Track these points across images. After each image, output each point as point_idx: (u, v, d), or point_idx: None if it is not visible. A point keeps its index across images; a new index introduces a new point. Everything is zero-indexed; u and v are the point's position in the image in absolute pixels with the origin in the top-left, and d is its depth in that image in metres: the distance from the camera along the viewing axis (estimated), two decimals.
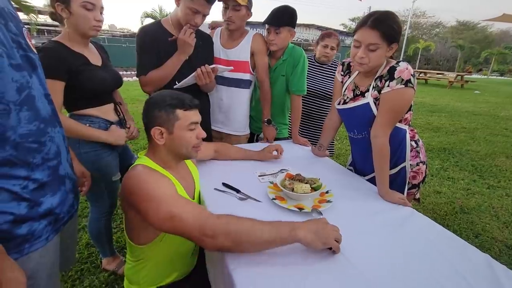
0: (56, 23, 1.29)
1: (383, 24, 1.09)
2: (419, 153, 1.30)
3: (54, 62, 1.14)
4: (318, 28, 25.40)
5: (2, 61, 0.61)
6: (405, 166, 1.28)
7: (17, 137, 0.65)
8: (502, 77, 28.83)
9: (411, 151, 1.28)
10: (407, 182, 1.30)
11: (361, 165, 1.42)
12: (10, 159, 0.64)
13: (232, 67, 1.54)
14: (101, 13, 1.25)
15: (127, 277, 1.01)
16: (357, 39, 1.14)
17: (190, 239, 0.77)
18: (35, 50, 0.74)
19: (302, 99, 2.06)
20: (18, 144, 0.65)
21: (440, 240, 0.91)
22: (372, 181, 1.27)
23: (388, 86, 1.13)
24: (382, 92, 1.16)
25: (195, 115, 0.93)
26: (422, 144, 1.33)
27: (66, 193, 0.79)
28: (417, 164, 1.30)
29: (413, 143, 1.28)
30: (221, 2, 1.56)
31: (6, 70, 0.62)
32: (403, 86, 1.11)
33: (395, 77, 1.11)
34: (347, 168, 1.55)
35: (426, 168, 1.35)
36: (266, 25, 1.64)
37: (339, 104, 1.38)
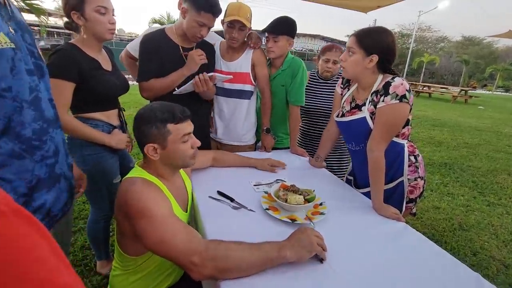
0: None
1: (363, 34, 1.20)
2: (418, 168, 1.30)
3: (67, 63, 1.18)
4: (323, 38, 25.61)
5: (20, 64, 0.70)
6: (402, 180, 1.29)
7: (25, 132, 0.71)
8: (507, 93, 28.77)
9: (409, 166, 1.28)
10: (405, 197, 1.30)
11: (361, 176, 1.42)
12: (19, 152, 0.70)
13: (231, 76, 1.56)
14: (113, 15, 1.27)
15: (111, 284, 0.99)
16: (346, 44, 1.26)
17: (179, 266, 0.77)
18: (43, 59, 0.83)
19: (307, 118, 2.01)
20: (26, 140, 0.72)
21: (431, 257, 0.91)
22: (370, 194, 1.27)
23: (383, 101, 1.15)
24: (377, 106, 1.18)
25: (187, 126, 0.92)
26: (422, 159, 1.33)
27: (61, 191, 0.83)
28: (415, 179, 1.30)
29: (412, 158, 1.29)
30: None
31: (22, 73, 0.70)
32: (398, 101, 1.13)
33: (390, 92, 1.14)
34: (347, 177, 1.56)
35: (424, 183, 1.34)
36: (266, 33, 1.67)
37: (337, 116, 1.40)
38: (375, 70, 1.22)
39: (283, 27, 1.66)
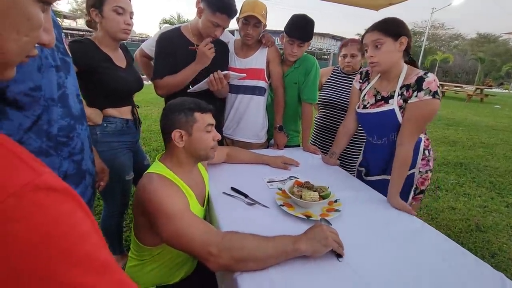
0: (79, 27, 1.36)
1: (381, 24, 1.18)
2: (429, 161, 1.33)
3: (76, 49, 1.21)
4: (333, 37, 25.32)
5: (47, 62, 0.69)
6: (414, 172, 1.31)
7: (52, 130, 0.71)
8: None
9: (423, 159, 1.31)
10: (413, 188, 1.34)
11: (372, 166, 1.45)
12: (47, 149, 0.70)
13: (245, 74, 1.56)
14: (131, 17, 1.31)
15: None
16: (364, 42, 1.23)
17: (195, 257, 0.79)
18: (70, 54, 0.82)
19: (326, 111, 1.99)
20: (52, 137, 0.71)
21: (452, 256, 0.88)
22: (377, 183, 1.36)
23: (416, 96, 1.15)
24: (409, 101, 1.18)
25: (210, 118, 0.98)
26: (432, 152, 1.36)
27: (86, 187, 0.84)
28: (426, 172, 1.33)
29: (426, 152, 1.31)
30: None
31: (50, 70, 0.70)
32: (431, 97, 1.13)
33: (423, 88, 1.14)
34: (357, 169, 1.56)
35: (431, 174, 1.38)
36: (289, 37, 1.61)
37: (359, 108, 1.39)
38: (401, 57, 1.22)
39: (312, 33, 1.63)
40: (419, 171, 1.31)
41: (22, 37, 0.32)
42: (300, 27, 1.61)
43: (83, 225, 0.28)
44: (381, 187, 1.29)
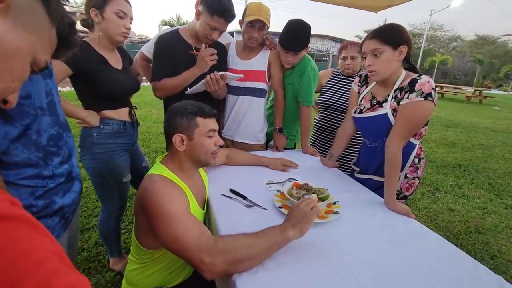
0: (77, 28, 1.34)
1: (381, 32, 1.17)
2: (417, 169, 1.31)
3: None
4: (332, 39, 25.39)
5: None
6: (399, 175, 1.29)
7: (41, 140, 0.69)
8: None
9: (411, 166, 1.29)
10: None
11: (364, 166, 1.45)
12: (36, 160, 0.68)
13: (242, 75, 1.56)
14: (130, 22, 1.31)
15: (127, 278, 1.01)
16: (363, 51, 1.21)
17: (190, 264, 0.77)
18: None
19: (325, 113, 2.00)
20: (42, 147, 0.70)
21: (450, 259, 0.88)
22: (363, 181, 1.39)
23: (408, 98, 1.14)
24: (401, 103, 1.17)
25: (213, 123, 0.97)
26: (424, 162, 1.34)
27: (76, 194, 0.83)
28: (413, 178, 1.32)
29: (416, 160, 1.29)
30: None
31: (38, 78, 0.68)
32: (422, 99, 1.11)
33: (415, 90, 1.13)
34: (352, 167, 1.56)
35: (419, 183, 1.37)
36: (284, 48, 1.61)
37: (355, 112, 1.40)
38: (400, 64, 1.21)
39: (305, 42, 1.62)
40: (406, 176, 1.30)
41: (10, 81, 0.35)
42: (293, 40, 1.59)
43: (37, 252, 0.27)
44: (366, 186, 1.35)
